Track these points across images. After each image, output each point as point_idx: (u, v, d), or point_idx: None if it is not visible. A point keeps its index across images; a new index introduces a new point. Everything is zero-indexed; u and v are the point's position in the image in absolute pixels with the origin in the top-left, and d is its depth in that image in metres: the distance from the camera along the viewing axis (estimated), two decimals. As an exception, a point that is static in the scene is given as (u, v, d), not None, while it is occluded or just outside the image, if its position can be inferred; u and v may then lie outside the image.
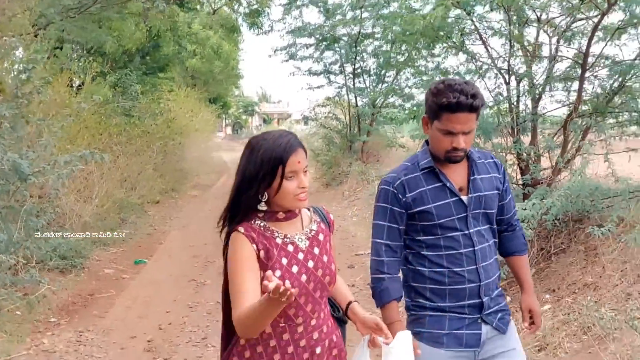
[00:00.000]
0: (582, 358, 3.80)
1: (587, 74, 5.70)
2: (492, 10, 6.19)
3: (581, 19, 5.74)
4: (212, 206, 12.26)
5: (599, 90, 5.88)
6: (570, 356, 3.89)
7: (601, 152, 5.23)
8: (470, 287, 2.16)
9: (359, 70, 14.28)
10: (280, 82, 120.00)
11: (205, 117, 23.00)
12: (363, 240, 6.85)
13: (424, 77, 8.25)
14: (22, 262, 5.53)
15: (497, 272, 2.26)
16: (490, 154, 2.38)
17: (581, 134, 5.77)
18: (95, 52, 12.55)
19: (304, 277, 1.81)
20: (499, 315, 2.23)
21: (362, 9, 12.55)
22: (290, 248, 1.83)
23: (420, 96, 11.25)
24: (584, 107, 5.88)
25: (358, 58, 14.01)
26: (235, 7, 19.87)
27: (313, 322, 1.85)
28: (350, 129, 15.10)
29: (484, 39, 6.41)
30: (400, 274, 2.28)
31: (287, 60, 14.67)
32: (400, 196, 2.19)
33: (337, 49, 14.14)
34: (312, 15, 41.90)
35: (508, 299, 4.55)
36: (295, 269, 1.80)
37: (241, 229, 1.80)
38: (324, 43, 14.16)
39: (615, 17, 5.55)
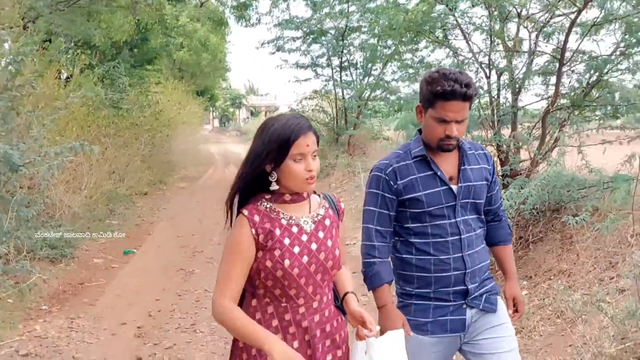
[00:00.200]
0: (555, 340, 3.97)
1: (565, 69, 5.88)
2: (474, 6, 6.37)
3: (559, 15, 5.90)
4: (200, 198, 12.35)
5: (576, 85, 6.07)
6: (544, 338, 4.07)
7: (577, 144, 5.36)
8: (455, 274, 2.20)
9: (345, 64, 14.41)
10: (268, 74, 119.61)
11: (192, 109, 22.99)
12: (350, 230, 6.98)
13: (410, 70, 8.37)
14: (14, 252, 5.63)
15: (485, 260, 2.30)
16: (481, 146, 2.43)
17: (559, 126, 5.95)
18: (83, 45, 12.55)
19: (305, 258, 1.83)
20: (484, 296, 2.27)
21: (349, 3, 12.62)
22: (295, 229, 1.85)
23: (405, 90, 11.41)
24: (562, 101, 6.06)
25: (345, 51, 14.11)
26: (223, -1, 19.88)
27: (315, 304, 1.88)
28: (337, 122, 15.20)
29: (465, 34, 6.57)
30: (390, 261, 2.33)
31: (274, 53, 14.81)
32: (391, 183, 2.23)
33: (324, 42, 14.22)
34: (300, 9, 41.72)
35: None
36: (297, 249, 1.83)
37: (245, 211, 1.83)
38: (311, 36, 14.27)
39: (592, 14, 5.74)
